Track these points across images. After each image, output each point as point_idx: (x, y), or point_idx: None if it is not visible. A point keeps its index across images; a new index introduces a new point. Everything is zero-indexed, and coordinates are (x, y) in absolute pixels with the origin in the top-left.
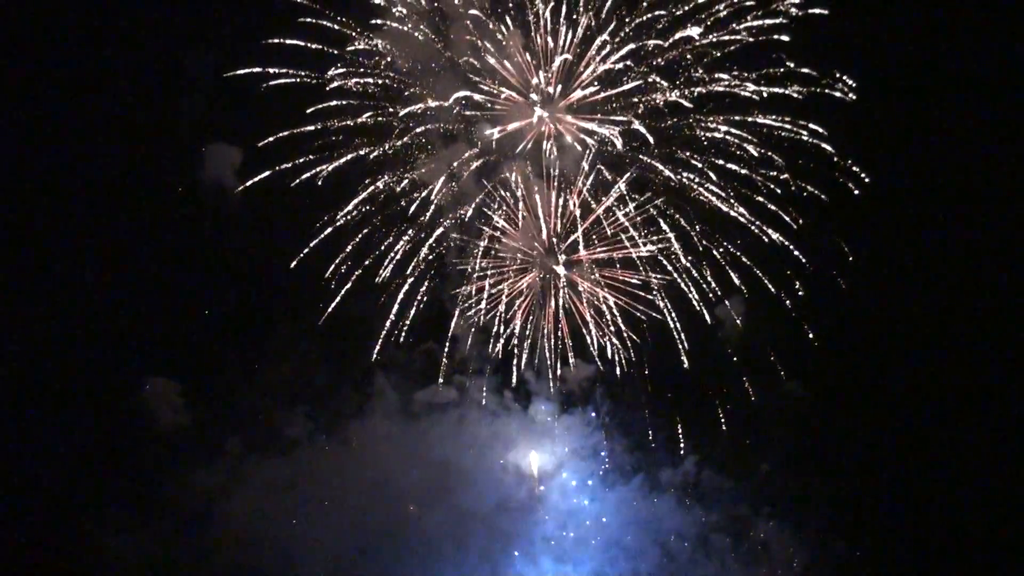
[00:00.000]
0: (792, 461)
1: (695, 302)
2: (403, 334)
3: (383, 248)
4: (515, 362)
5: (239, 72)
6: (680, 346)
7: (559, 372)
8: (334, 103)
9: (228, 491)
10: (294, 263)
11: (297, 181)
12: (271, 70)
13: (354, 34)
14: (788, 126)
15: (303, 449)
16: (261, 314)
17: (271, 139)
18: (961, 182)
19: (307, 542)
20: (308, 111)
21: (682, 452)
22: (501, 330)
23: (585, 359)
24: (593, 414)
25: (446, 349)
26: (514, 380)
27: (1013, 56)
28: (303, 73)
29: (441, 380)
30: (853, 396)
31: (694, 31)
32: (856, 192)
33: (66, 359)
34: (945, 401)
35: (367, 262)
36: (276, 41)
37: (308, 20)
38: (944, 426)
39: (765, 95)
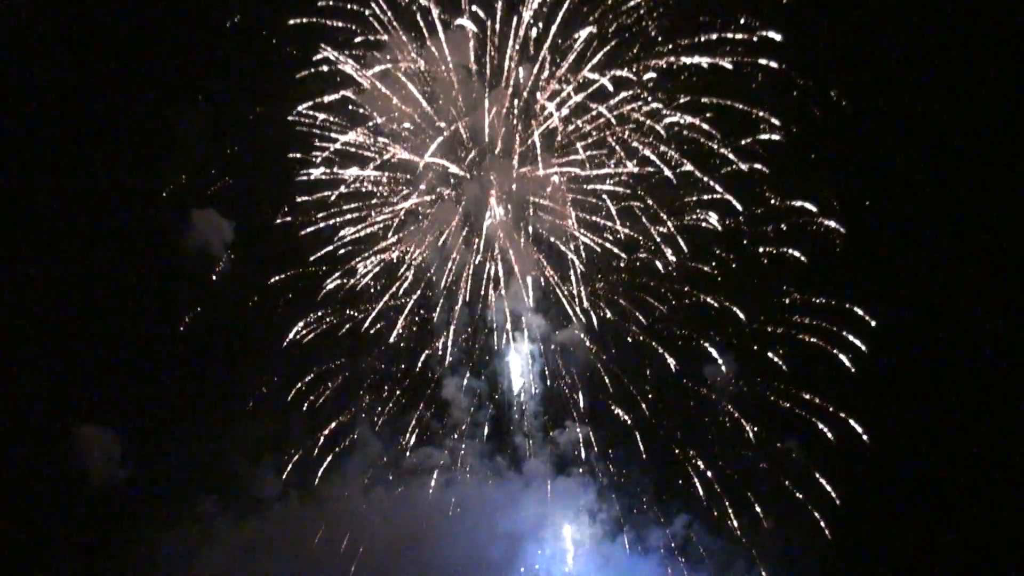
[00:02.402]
0: (788, 520)
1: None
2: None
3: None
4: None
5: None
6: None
7: (550, 435)
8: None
9: (191, 553)
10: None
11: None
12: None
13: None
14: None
15: (270, 509)
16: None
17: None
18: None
19: None
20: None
21: (672, 513)
22: None
23: (577, 420)
24: (585, 476)
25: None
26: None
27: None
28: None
29: (410, 440)
30: (849, 455)
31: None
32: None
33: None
34: (944, 459)
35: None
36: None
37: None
38: (942, 483)
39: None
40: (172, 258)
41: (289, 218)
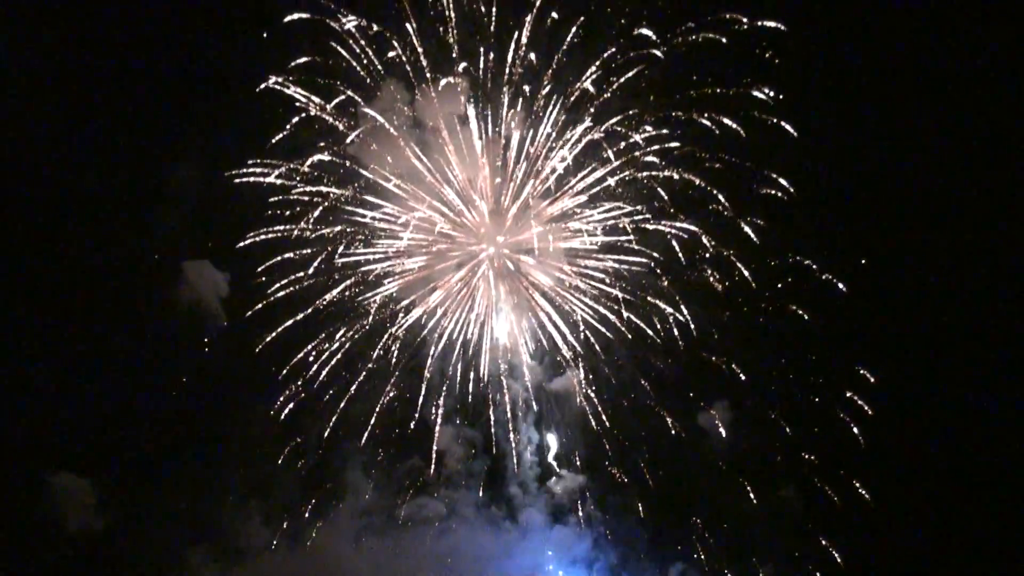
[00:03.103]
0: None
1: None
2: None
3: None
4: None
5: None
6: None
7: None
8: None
9: None
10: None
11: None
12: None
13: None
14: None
15: (260, 559)
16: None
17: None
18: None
19: None
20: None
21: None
22: None
23: (573, 470)
24: (581, 525)
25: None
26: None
27: None
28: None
29: (406, 497)
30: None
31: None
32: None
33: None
34: (943, 507)
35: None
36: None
37: None
38: (944, 533)
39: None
40: (161, 310)
41: (277, 274)
